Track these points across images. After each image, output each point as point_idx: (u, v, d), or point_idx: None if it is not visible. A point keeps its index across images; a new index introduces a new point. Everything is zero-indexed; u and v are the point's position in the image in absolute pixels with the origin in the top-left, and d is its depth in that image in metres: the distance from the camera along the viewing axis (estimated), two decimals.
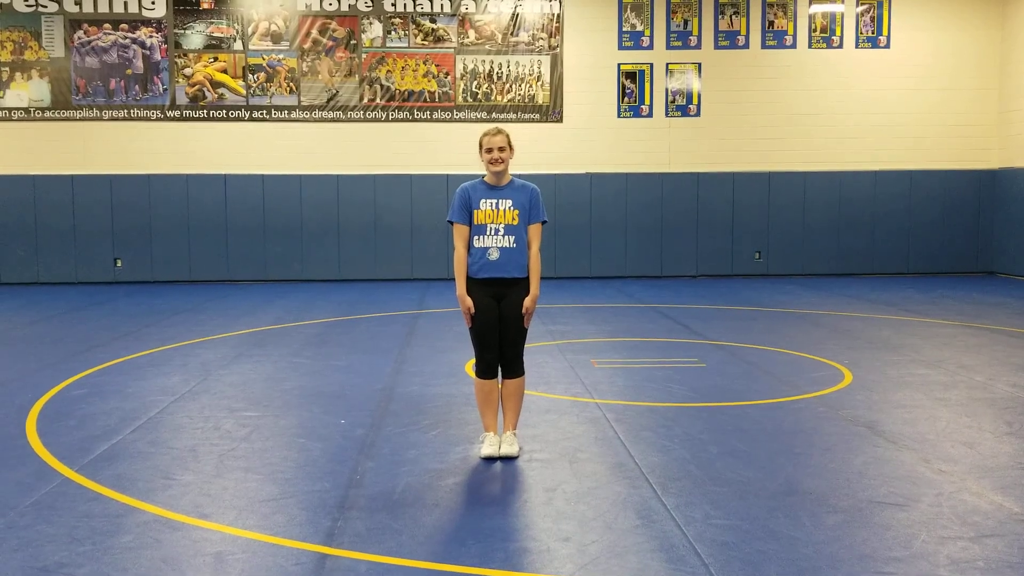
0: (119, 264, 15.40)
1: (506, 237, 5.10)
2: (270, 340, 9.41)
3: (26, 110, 15.16)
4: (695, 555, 3.79)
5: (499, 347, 5.19)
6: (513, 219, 5.11)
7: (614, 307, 12.09)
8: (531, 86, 15.55)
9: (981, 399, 6.63)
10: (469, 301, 5.12)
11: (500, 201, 5.13)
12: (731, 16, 15.79)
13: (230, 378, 7.46)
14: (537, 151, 15.19)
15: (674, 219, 15.92)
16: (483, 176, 5.25)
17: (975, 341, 9.17)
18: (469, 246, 5.17)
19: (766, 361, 8.12)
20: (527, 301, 5.15)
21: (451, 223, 5.21)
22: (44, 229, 15.26)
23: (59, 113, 15.19)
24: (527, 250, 5.18)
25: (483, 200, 5.14)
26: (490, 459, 5.16)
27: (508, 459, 5.15)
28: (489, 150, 5.16)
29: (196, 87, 15.31)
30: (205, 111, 15.34)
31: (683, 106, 15.82)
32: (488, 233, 5.10)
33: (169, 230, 15.37)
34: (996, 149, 16.18)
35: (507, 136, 5.25)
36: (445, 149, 15.41)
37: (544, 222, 5.27)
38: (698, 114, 15.85)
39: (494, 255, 5.09)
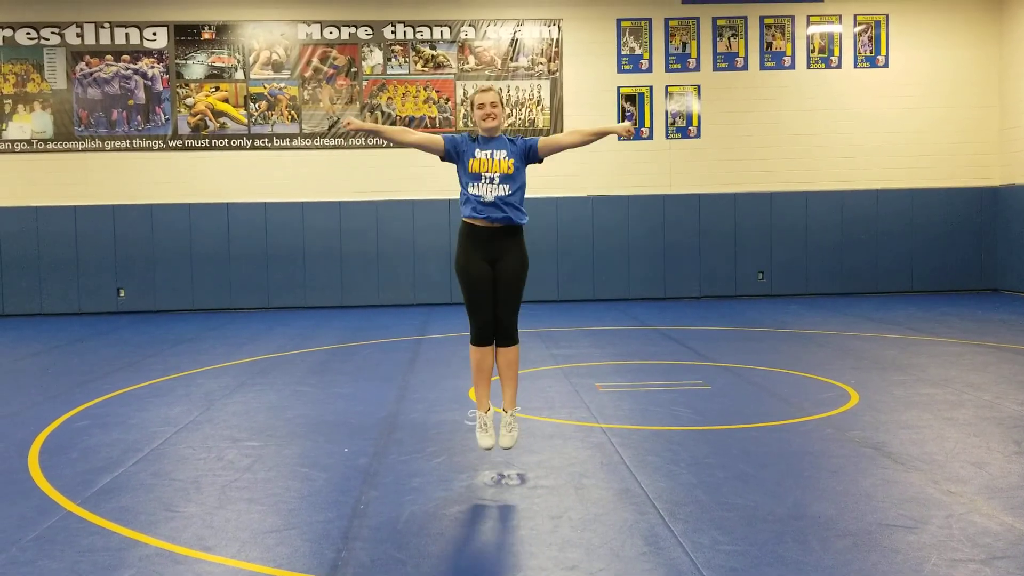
0: (122, 294, 15.41)
1: (501, 185, 5.11)
2: (273, 368, 9.39)
3: (29, 142, 15.23)
4: None
5: (492, 311, 5.16)
6: (508, 168, 5.12)
7: (618, 330, 12.06)
8: (531, 110, 15.61)
9: (989, 418, 6.58)
10: (356, 123, 5.20)
11: (495, 151, 5.15)
12: (729, 38, 15.86)
13: (233, 408, 7.43)
14: (538, 175, 15.09)
15: (676, 240, 15.92)
16: (474, 132, 5.30)
17: (981, 359, 9.12)
18: (464, 193, 5.19)
19: (771, 382, 8.07)
20: (626, 125, 5.21)
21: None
22: (47, 260, 15.29)
23: (61, 144, 15.26)
24: (521, 203, 5.19)
25: (478, 150, 5.16)
26: (488, 449, 5.33)
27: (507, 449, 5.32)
28: (481, 105, 5.19)
29: (198, 117, 15.38)
30: (207, 140, 15.40)
31: (683, 128, 15.87)
32: (483, 181, 5.10)
33: (172, 259, 15.39)
34: (997, 166, 16.19)
35: (499, 92, 5.28)
36: (447, 174, 15.31)
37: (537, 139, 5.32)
38: (698, 135, 15.89)
39: (488, 198, 5.09)
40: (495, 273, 5.15)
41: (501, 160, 5.13)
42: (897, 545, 4.10)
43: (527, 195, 5.49)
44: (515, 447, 5.48)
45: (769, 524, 4.40)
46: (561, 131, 15.55)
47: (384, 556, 4.10)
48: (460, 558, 4.09)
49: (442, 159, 5.35)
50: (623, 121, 15.72)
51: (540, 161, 5.31)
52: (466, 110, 15.54)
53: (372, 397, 7.74)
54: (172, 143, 15.36)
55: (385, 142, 5.38)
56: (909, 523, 4.38)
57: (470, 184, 5.16)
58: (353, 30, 15.50)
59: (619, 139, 5.29)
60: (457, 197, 5.59)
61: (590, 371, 8.84)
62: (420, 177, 15.51)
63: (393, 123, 15.49)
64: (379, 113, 15.50)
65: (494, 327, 5.19)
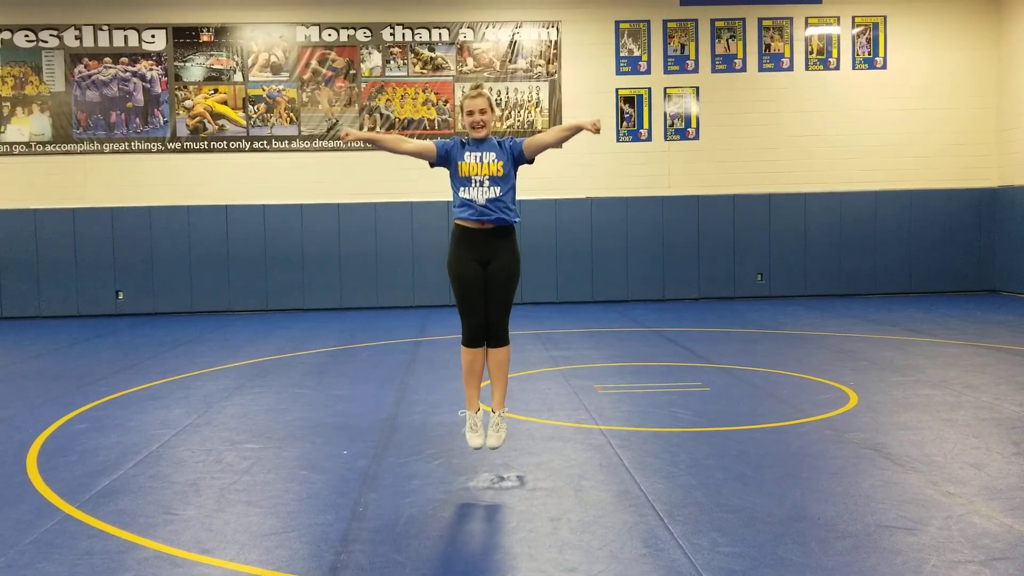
0: (121, 296, 15.40)
1: (492, 188, 5.15)
2: (272, 371, 9.38)
3: (27, 144, 15.22)
4: None
5: (484, 313, 5.18)
6: (498, 171, 5.16)
7: (617, 331, 12.06)
8: (530, 112, 15.61)
9: (988, 419, 6.58)
10: (354, 133, 5.26)
11: (484, 154, 5.20)
12: (728, 40, 15.86)
13: (231, 410, 7.43)
14: (537, 176, 15.16)
15: (675, 242, 15.92)
16: (465, 136, 5.33)
17: (980, 360, 9.12)
18: (455, 197, 5.25)
19: (770, 384, 8.07)
20: (592, 122, 5.15)
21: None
22: (45, 262, 15.27)
23: (60, 147, 15.25)
24: (512, 203, 5.25)
25: (467, 153, 5.20)
26: (478, 448, 5.37)
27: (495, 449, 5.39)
28: (471, 112, 5.23)
29: (196, 119, 15.38)
30: (206, 143, 15.40)
31: (682, 129, 15.87)
32: (473, 184, 5.15)
33: (170, 261, 15.38)
34: (995, 167, 16.20)
35: (488, 97, 5.27)
36: (446, 176, 15.35)
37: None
38: (697, 137, 15.89)
39: (480, 201, 5.15)
40: (487, 274, 5.18)
41: (490, 163, 5.18)
42: (897, 546, 4.10)
43: (519, 196, 5.53)
44: (504, 446, 5.58)
45: (768, 526, 4.40)
46: None
47: (383, 558, 4.09)
48: (459, 560, 4.09)
49: (432, 165, 5.40)
50: (621, 124, 15.73)
51: (531, 162, 5.36)
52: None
53: (371, 399, 7.73)
54: (171, 145, 15.35)
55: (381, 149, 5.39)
56: (908, 524, 4.38)
57: (461, 188, 5.21)
58: (352, 32, 15.50)
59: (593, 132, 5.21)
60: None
61: (589, 373, 8.83)
62: (419, 179, 15.50)
63: (391, 127, 15.49)
64: (378, 115, 15.50)
65: (485, 329, 5.20)
